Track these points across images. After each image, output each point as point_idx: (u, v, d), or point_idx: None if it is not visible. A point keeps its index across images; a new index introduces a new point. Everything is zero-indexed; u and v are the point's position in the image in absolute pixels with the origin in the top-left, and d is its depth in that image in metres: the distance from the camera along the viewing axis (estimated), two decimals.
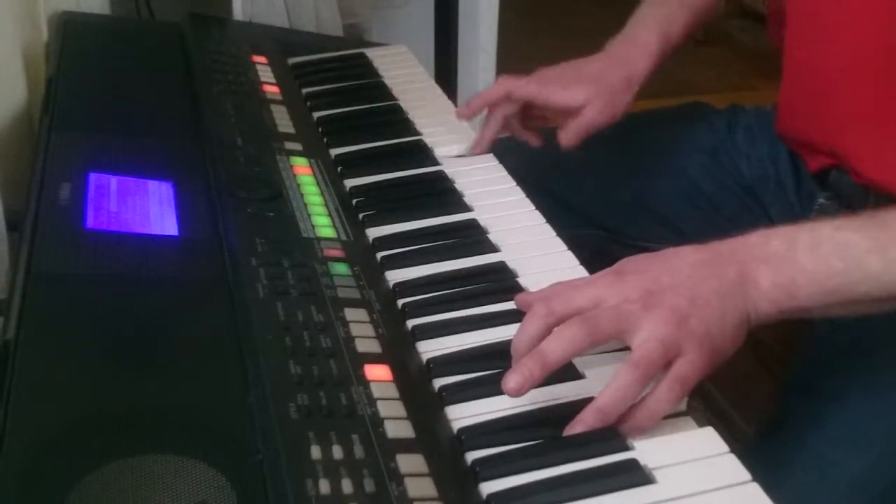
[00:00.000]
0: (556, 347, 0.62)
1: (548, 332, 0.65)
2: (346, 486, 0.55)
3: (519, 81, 0.98)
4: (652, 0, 1.04)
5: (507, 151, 0.99)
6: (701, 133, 1.09)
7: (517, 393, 0.62)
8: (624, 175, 1.08)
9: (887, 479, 0.75)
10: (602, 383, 0.65)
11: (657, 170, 1.08)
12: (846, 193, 0.93)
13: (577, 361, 0.67)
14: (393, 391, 0.64)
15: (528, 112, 1.01)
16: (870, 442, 0.76)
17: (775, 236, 0.68)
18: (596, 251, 0.81)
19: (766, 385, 1.01)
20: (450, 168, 0.95)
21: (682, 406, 0.65)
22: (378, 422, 0.61)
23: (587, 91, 0.95)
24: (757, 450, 0.79)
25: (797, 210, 1.00)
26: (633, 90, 0.98)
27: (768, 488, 0.58)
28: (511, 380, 0.62)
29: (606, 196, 1.08)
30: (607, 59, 0.99)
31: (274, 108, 1.03)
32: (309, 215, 0.83)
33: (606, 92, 0.96)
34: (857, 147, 0.89)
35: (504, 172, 0.94)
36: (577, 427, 0.61)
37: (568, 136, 0.96)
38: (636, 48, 0.99)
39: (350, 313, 0.70)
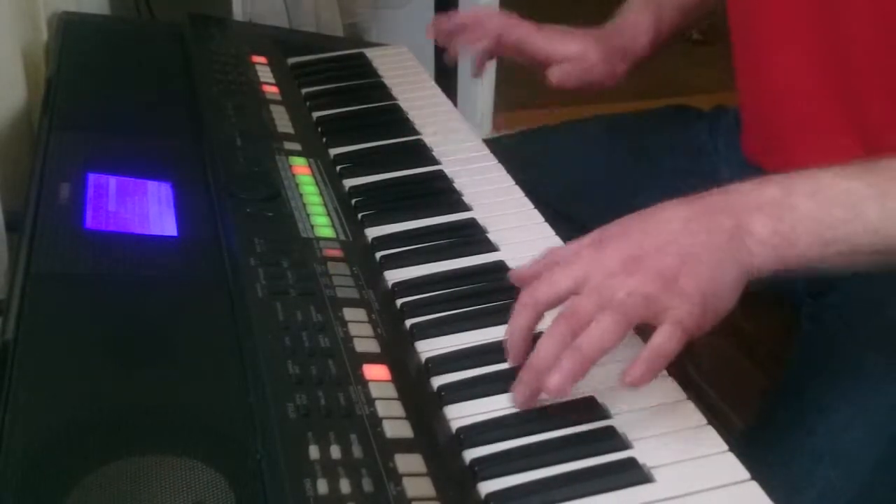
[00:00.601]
0: (546, 354, 0.62)
1: (536, 321, 0.65)
2: (345, 486, 0.55)
3: (512, 24, 0.97)
4: None
5: (494, 153, 0.99)
6: (683, 135, 1.09)
7: (526, 406, 0.63)
8: (607, 178, 1.08)
9: (857, 485, 0.74)
10: (602, 381, 0.65)
11: (641, 173, 1.08)
12: None
13: None
14: (391, 391, 0.64)
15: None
16: (842, 450, 0.75)
17: (771, 183, 0.66)
18: None
19: (763, 384, 1.02)
20: (449, 168, 0.95)
21: (682, 396, 0.65)
22: (376, 421, 0.61)
23: (585, 44, 0.96)
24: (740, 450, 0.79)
25: None
26: (629, 62, 0.98)
27: None
28: (517, 400, 0.63)
29: (590, 198, 1.08)
30: (603, 30, 1.00)
31: (273, 108, 1.03)
32: (308, 215, 0.83)
33: (604, 51, 0.96)
34: (800, 163, 0.89)
35: (503, 172, 0.94)
36: (555, 375, 0.60)
37: (560, 74, 0.95)
38: (630, 27, 1.00)
39: (349, 313, 0.71)
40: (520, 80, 1.02)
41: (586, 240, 0.67)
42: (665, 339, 0.61)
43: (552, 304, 0.65)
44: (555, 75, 0.96)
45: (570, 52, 0.95)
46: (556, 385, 0.60)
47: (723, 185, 1.02)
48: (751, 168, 1.02)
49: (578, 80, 0.96)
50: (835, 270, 0.68)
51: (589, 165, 1.09)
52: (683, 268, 0.62)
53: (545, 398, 0.64)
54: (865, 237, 0.64)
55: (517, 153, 0.98)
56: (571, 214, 1.06)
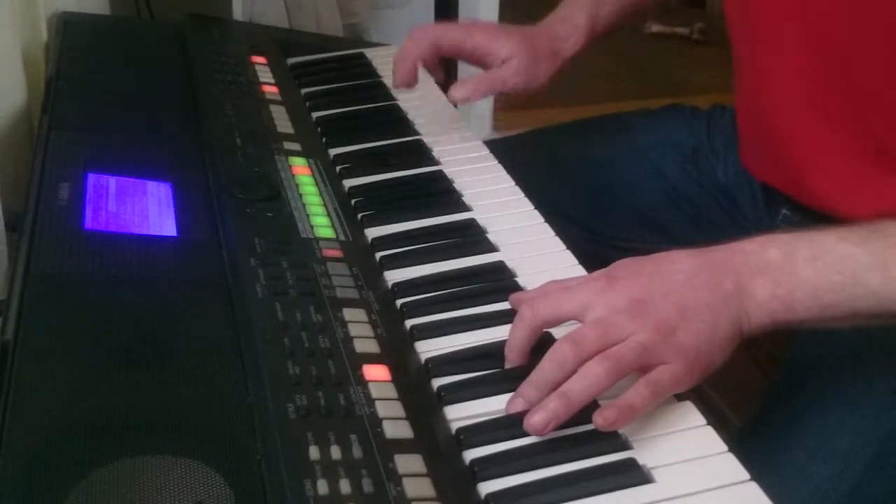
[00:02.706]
0: (546, 377, 0.62)
1: (535, 335, 0.66)
2: (345, 487, 0.55)
3: (444, 31, 0.98)
4: None
5: (495, 153, 0.99)
6: (680, 135, 1.09)
7: (530, 425, 0.62)
8: (607, 177, 1.08)
9: (850, 484, 0.74)
10: None
11: (639, 171, 1.08)
12: (807, 210, 0.93)
13: None
14: (391, 391, 0.64)
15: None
16: (835, 449, 0.75)
17: (773, 245, 0.67)
18: (583, 253, 0.81)
19: (763, 385, 1.01)
20: (449, 168, 0.95)
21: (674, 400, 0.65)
22: (376, 422, 0.61)
23: (513, 44, 0.95)
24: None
25: (765, 217, 1.00)
26: (558, 63, 0.98)
27: None
28: (510, 412, 0.63)
29: (591, 198, 1.08)
30: (537, 29, 1.00)
31: (273, 108, 1.03)
32: (308, 215, 0.83)
33: (531, 53, 0.96)
34: (808, 184, 0.89)
35: (503, 172, 0.94)
36: (539, 413, 0.61)
37: (469, 85, 0.94)
38: (564, 25, 1.00)
39: (348, 313, 0.71)
40: None
41: (595, 274, 0.68)
42: (637, 397, 0.61)
43: (551, 323, 0.66)
44: (457, 94, 0.94)
45: (503, 51, 0.95)
46: (539, 423, 0.61)
47: (719, 187, 1.03)
48: (745, 172, 1.02)
49: (490, 90, 0.96)
50: (832, 328, 0.69)
51: (590, 166, 1.09)
52: (682, 322, 0.63)
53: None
54: (865, 302, 0.65)
55: (519, 154, 0.98)
56: (574, 214, 1.07)
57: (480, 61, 0.99)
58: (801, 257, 0.66)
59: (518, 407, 0.63)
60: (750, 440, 0.81)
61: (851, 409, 0.77)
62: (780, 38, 0.86)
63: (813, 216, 0.92)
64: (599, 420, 0.60)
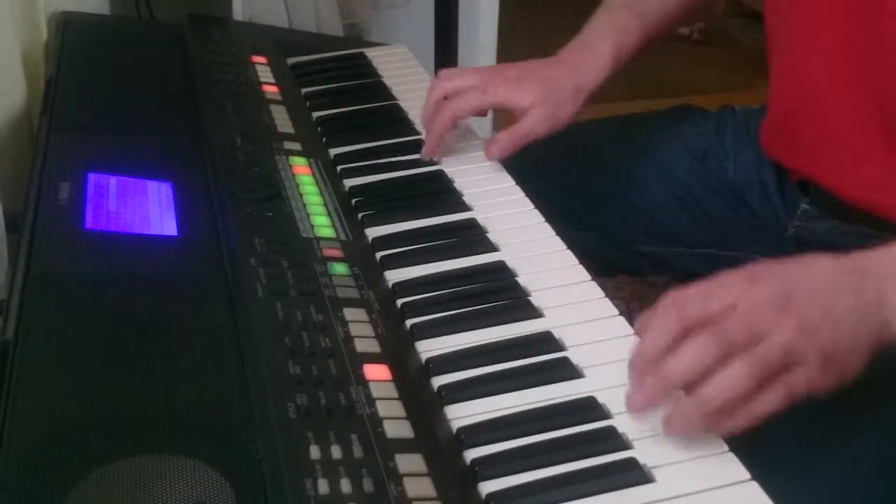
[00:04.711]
0: (682, 369, 0.60)
1: (680, 336, 0.62)
2: (345, 486, 0.55)
3: (460, 102, 0.95)
4: (606, 7, 1.03)
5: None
6: (690, 136, 1.08)
7: (642, 409, 0.61)
8: (613, 177, 1.08)
9: (868, 486, 0.74)
10: (603, 382, 0.65)
11: (646, 172, 1.08)
12: (827, 203, 0.93)
13: (578, 360, 0.67)
14: (392, 391, 0.64)
15: None
16: (853, 451, 0.74)
17: None
18: (586, 252, 0.80)
19: None
20: (449, 168, 0.95)
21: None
22: (377, 421, 0.61)
23: (535, 93, 0.94)
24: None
25: (781, 213, 1.00)
26: (580, 101, 0.97)
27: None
28: (635, 399, 0.62)
29: (595, 198, 1.08)
30: (560, 64, 0.98)
31: (273, 107, 1.03)
32: (308, 215, 0.83)
33: (553, 99, 0.95)
34: (829, 170, 0.89)
35: (503, 172, 0.94)
36: (677, 421, 0.60)
37: (502, 142, 0.94)
38: (589, 56, 0.98)
39: (349, 313, 0.71)
40: None
41: (739, 273, 0.66)
42: (770, 403, 0.60)
43: (699, 321, 0.62)
44: (497, 147, 0.95)
45: (524, 102, 0.94)
46: (675, 426, 0.60)
47: (729, 186, 1.03)
48: (756, 170, 1.02)
49: (522, 143, 0.95)
50: None
51: (596, 167, 1.09)
52: (826, 324, 0.62)
53: (545, 399, 0.64)
54: None
55: (522, 153, 0.98)
56: (578, 213, 1.06)
57: (502, 110, 0.98)
58: None
59: (640, 397, 0.61)
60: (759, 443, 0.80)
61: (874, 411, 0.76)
62: (817, 18, 0.86)
63: (833, 210, 0.92)
64: (728, 430, 0.60)
